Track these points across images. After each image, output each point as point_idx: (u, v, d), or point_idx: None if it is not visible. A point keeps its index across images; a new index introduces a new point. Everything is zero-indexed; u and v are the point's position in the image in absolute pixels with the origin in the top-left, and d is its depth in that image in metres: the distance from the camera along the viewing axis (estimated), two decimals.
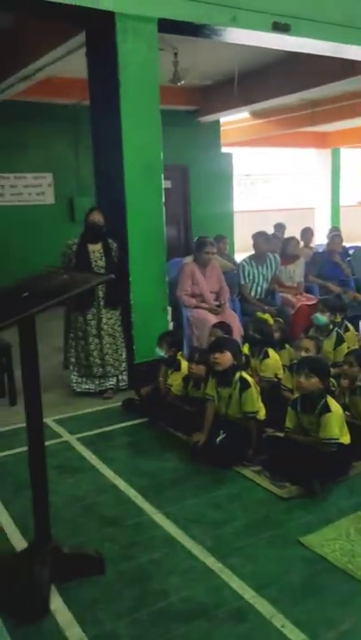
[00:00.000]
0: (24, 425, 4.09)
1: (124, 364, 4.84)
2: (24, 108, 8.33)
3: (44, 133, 8.80)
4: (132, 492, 3.20)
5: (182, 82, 7.17)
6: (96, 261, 4.62)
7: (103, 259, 4.63)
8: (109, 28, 4.49)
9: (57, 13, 4.50)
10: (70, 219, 9.13)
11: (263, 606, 2.26)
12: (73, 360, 4.80)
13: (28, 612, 2.23)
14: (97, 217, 4.65)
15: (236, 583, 2.41)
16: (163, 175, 4.90)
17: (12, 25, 5.97)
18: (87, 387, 4.79)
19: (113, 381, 4.80)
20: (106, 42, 4.59)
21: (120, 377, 4.84)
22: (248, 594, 2.34)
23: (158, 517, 2.93)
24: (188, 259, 5.75)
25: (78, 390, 4.80)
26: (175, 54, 6.72)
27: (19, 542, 2.75)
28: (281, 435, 3.50)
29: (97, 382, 4.78)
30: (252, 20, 4.97)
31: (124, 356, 4.83)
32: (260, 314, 4.61)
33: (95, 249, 4.65)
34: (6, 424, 4.28)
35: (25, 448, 3.70)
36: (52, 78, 7.23)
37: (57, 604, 2.31)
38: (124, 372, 4.86)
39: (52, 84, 7.58)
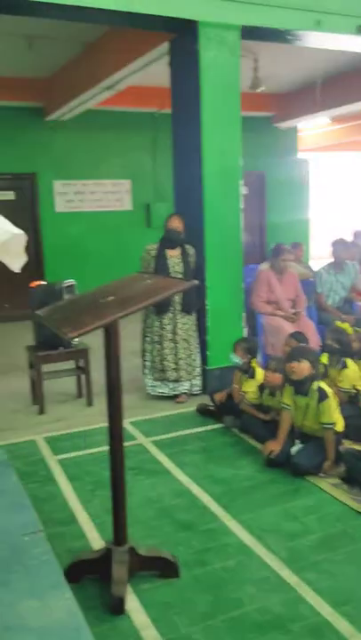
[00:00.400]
0: (100, 426, 4.28)
1: (197, 369, 4.86)
2: (106, 116, 8.57)
3: (123, 141, 9.00)
4: (205, 498, 3.20)
5: (262, 88, 7.14)
6: (174, 267, 4.67)
7: (181, 264, 4.68)
8: (192, 37, 4.55)
9: (143, 24, 4.61)
10: (147, 224, 9.29)
11: (341, 624, 2.20)
12: (148, 364, 4.87)
13: (106, 611, 2.28)
14: (176, 223, 4.70)
15: (312, 598, 2.36)
16: (241, 181, 4.90)
17: (98, 36, 6.15)
18: (161, 390, 4.84)
19: (186, 386, 4.83)
20: (188, 50, 4.65)
21: (193, 382, 4.87)
22: (325, 610, 2.28)
23: (232, 524, 2.92)
24: (265, 265, 5.71)
25: (153, 394, 4.86)
26: (255, 60, 6.71)
27: (95, 541, 2.81)
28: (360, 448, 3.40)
29: (171, 386, 4.82)
30: (337, 24, 4.89)
31: (197, 362, 4.86)
32: (338, 323, 4.50)
33: (173, 254, 4.70)
34: (84, 424, 4.40)
35: (101, 448, 3.87)
36: (133, 87, 7.38)
37: (133, 604, 2.35)
38: (198, 377, 4.88)
39: (133, 92, 7.74)
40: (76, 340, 4.81)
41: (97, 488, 3.35)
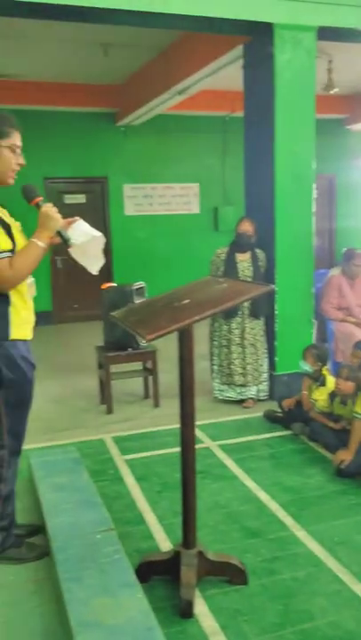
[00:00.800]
0: (167, 427, 4.31)
1: (264, 375, 4.81)
2: (176, 121, 8.64)
3: (192, 145, 9.05)
4: (273, 506, 3.16)
5: (336, 89, 7.00)
6: (243, 271, 4.64)
7: (250, 269, 4.65)
8: (268, 39, 4.52)
9: (218, 28, 4.61)
10: (214, 228, 9.29)
11: None
12: (215, 367, 4.86)
13: (175, 613, 2.28)
14: (247, 226, 4.68)
15: None
16: (314, 185, 4.82)
17: (171, 42, 6.22)
18: (228, 395, 4.83)
19: (253, 391, 4.79)
20: (263, 53, 4.62)
21: (260, 387, 4.82)
22: None
23: (302, 534, 2.87)
24: (335, 270, 5.59)
25: (220, 398, 4.85)
26: (329, 62, 6.59)
27: (163, 542, 2.83)
28: None
29: (238, 391, 4.79)
30: None
31: (264, 367, 4.81)
32: None
33: (243, 258, 4.68)
34: (151, 425, 4.44)
35: (168, 450, 3.89)
36: (204, 91, 7.41)
37: (201, 608, 2.34)
38: (265, 383, 4.83)
39: (204, 96, 7.77)
40: (145, 341, 4.86)
41: (164, 490, 3.37)
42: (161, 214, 9.07)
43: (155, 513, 3.12)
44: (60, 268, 8.71)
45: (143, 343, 4.85)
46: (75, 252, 2.37)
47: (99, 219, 8.85)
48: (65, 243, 2.28)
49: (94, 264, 2.45)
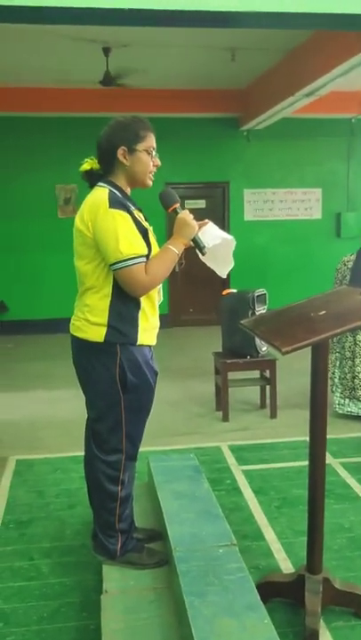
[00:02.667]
0: (286, 440, 4.17)
1: None
2: (299, 124, 8.43)
3: (316, 149, 8.79)
4: None
5: None
6: None
7: None
8: None
9: (353, 25, 4.40)
10: (336, 234, 8.95)
11: None
12: (337, 380, 4.63)
13: None
14: None
15: None
16: None
17: (300, 42, 6.06)
18: (350, 409, 4.58)
19: None
20: None
21: None
22: None
23: None
24: None
25: (340, 412, 4.61)
26: None
27: (283, 562, 2.71)
28: None
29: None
30: None
31: None
32: None
33: None
34: (268, 436, 4.32)
35: (287, 464, 3.76)
36: (331, 93, 7.16)
37: None
38: None
39: (330, 98, 7.50)
40: (265, 349, 4.75)
41: (283, 505, 3.24)
42: (281, 219, 8.89)
43: (274, 529, 3.00)
44: (177, 272, 8.78)
45: (263, 351, 4.74)
46: (206, 256, 2.32)
47: (218, 224, 8.76)
48: (200, 250, 2.24)
49: (224, 268, 2.39)
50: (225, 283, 8.66)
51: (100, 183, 2.16)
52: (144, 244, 2.08)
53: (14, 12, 3.82)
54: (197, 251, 2.26)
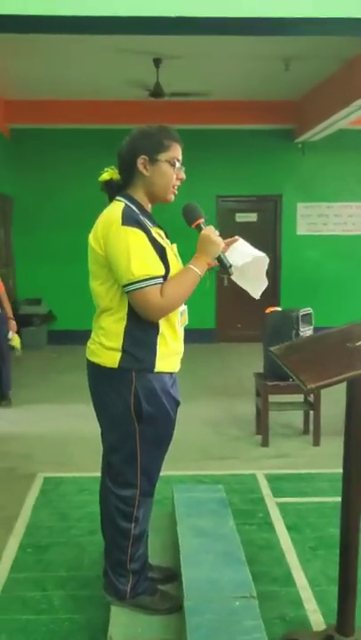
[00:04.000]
0: (327, 471, 3.88)
1: None
2: (358, 136, 8.11)
3: None
4: None
5: None
6: None
7: None
8: None
9: None
10: None
11: None
12: None
13: None
14: None
15: None
16: None
17: (355, 51, 5.80)
18: None
19: None
20: None
21: None
22: None
23: None
24: None
25: None
26: None
27: (313, 614, 2.45)
28: None
29: None
30: None
31: None
32: None
33: None
34: (309, 466, 4.05)
35: (327, 498, 3.49)
36: None
37: None
38: None
39: None
40: (306, 389, 4.49)
41: (319, 546, 2.97)
42: (335, 234, 8.56)
43: (306, 573, 2.74)
44: (226, 286, 8.59)
45: None
46: (237, 275, 2.14)
47: (269, 238, 8.61)
48: (226, 269, 2.04)
49: (257, 287, 2.19)
50: (275, 298, 8.43)
51: (117, 197, 2.01)
52: (160, 265, 1.91)
53: (57, 23, 3.78)
54: (227, 273, 2.06)
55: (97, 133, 8.07)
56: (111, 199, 2.04)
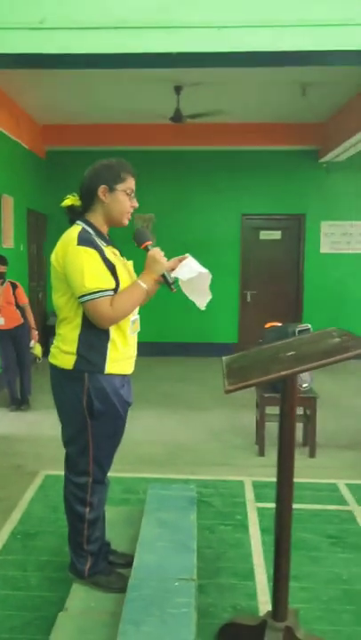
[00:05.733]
0: (316, 481, 4.10)
1: None
2: None
3: None
4: None
5: None
6: None
7: None
8: None
9: None
10: None
11: None
12: None
13: None
14: None
15: None
16: None
17: None
18: None
19: None
20: None
21: None
22: None
23: None
24: None
25: None
26: None
27: (264, 605, 2.63)
28: None
29: None
30: None
31: None
32: None
33: None
34: (300, 476, 4.11)
35: (305, 505, 3.66)
36: None
37: None
38: None
39: None
40: (306, 385, 4.67)
41: None
42: (359, 253, 8.65)
43: (267, 571, 2.92)
44: (248, 302, 8.81)
45: (304, 387, 4.65)
46: (185, 288, 2.40)
47: (293, 255, 8.78)
48: (168, 286, 2.31)
49: (202, 300, 2.44)
50: (298, 316, 8.57)
51: (77, 221, 2.31)
52: (111, 279, 2.18)
53: (94, 59, 4.05)
54: (169, 289, 2.33)
55: (125, 154, 8.43)
56: (72, 222, 2.33)
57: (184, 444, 4.91)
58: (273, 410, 4.74)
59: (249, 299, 8.80)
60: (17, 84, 6.39)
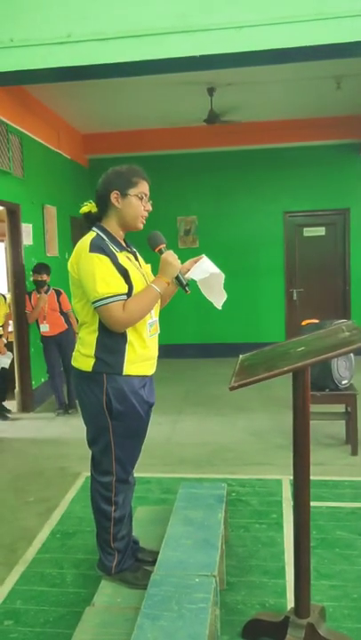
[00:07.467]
0: (355, 479, 3.98)
1: None
2: None
3: None
4: None
5: None
6: None
7: None
8: None
9: None
10: None
11: None
12: None
13: None
14: None
15: None
16: None
17: None
18: None
19: None
20: None
21: None
22: None
23: None
24: None
25: None
26: None
27: (292, 603, 2.62)
28: None
29: None
30: None
31: None
32: None
33: None
34: (340, 474, 4.16)
35: (342, 504, 3.66)
36: None
37: None
38: None
39: None
40: (345, 382, 4.61)
41: (319, 546, 3.12)
42: None
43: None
44: (294, 301, 8.72)
45: (343, 384, 4.59)
46: (202, 288, 2.44)
47: (338, 251, 8.63)
48: (182, 288, 2.35)
49: (218, 299, 2.48)
50: (346, 312, 8.42)
51: (93, 228, 2.38)
52: (123, 284, 2.24)
53: (125, 67, 4.14)
54: (183, 291, 2.37)
55: (164, 159, 8.57)
56: (89, 229, 2.42)
57: (226, 445, 4.93)
58: (316, 408, 4.71)
59: (295, 297, 8.70)
60: (57, 97, 6.60)
